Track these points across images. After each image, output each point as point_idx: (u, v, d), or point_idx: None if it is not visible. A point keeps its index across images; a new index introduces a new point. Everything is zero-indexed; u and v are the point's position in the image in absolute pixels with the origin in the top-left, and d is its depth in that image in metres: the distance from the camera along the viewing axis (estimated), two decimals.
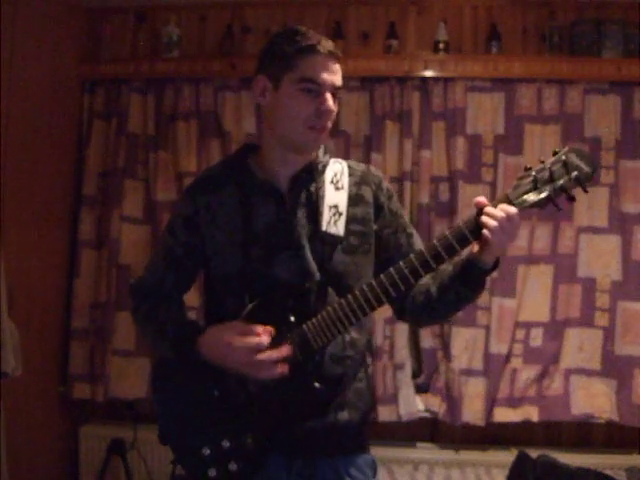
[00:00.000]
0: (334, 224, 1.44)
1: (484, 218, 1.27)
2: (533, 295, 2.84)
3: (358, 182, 1.52)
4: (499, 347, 2.83)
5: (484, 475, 2.79)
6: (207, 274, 1.55)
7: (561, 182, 1.25)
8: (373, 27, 3.03)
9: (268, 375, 1.34)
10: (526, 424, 2.83)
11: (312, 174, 1.49)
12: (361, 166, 1.57)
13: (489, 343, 2.83)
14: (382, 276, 1.35)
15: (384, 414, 2.83)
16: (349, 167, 1.54)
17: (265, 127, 1.52)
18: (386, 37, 2.96)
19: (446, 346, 2.88)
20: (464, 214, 2.72)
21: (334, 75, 1.41)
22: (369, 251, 1.50)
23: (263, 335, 1.34)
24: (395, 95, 2.90)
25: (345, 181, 1.51)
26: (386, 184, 1.56)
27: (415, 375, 2.98)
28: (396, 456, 2.83)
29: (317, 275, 1.42)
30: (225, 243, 1.47)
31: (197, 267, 1.57)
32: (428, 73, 2.87)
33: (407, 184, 2.87)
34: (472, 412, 2.82)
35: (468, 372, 2.85)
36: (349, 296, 1.36)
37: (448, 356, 2.86)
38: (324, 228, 1.44)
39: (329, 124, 1.43)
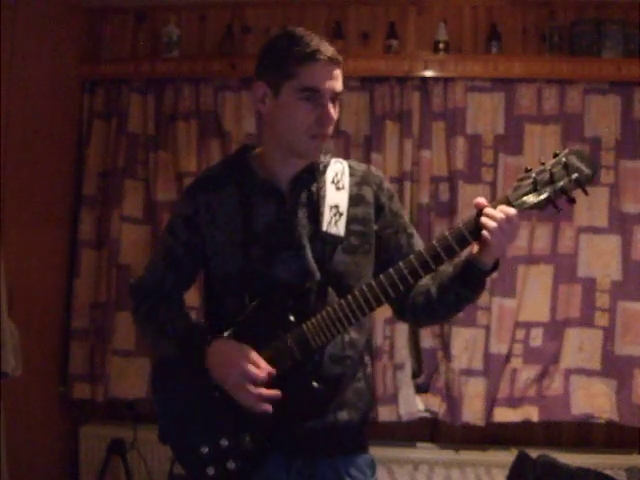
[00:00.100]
0: (335, 224, 1.44)
1: (483, 219, 1.27)
2: (533, 295, 2.84)
3: (359, 182, 1.52)
4: (499, 347, 2.83)
5: (484, 475, 2.79)
6: (207, 274, 1.55)
7: (561, 184, 1.25)
8: (373, 27, 3.03)
9: (252, 406, 1.35)
10: (526, 424, 2.83)
11: (313, 174, 1.49)
12: (362, 166, 1.57)
13: (489, 343, 2.83)
14: (381, 276, 1.35)
15: (384, 414, 2.84)
16: (350, 167, 1.54)
17: (266, 131, 1.51)
18: (386, 37, 2.96)
19: (446, 346, 2.88)
20: (464, 214, 2.72)
21: (335, 81, 1.39)
22: (369, 251, 1.50)
23: (265, 371, 1.35)
24: (395, 95, 2.90)
25: (346, 181, 1.50)
26: (387, 184, 1.56)
27: (415, 375, 2.98)
28: (396, 456, 2.83)
29: (317, 275, 1.42)
30: (225, 243, 1.46)
31: (197, 267, 1.57)
32: (428, 73, 2.87)
33: (407, 184, 2.87)
34: (472, 412, 2.82)
35: (468, 372, 2.85)
36: (348, 296, 1.36)
37: (448, 356, 2.86)
38: (325, 228, 1.44)
39: (330, 130, 1.43)
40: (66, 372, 3.01)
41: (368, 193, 1.51)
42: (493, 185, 2.86)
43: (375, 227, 1.51)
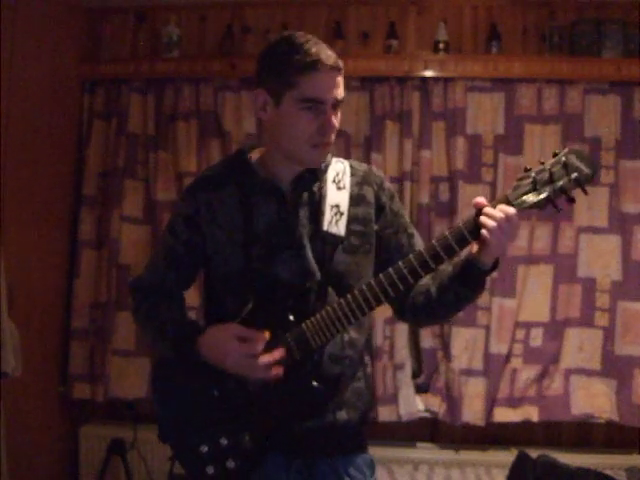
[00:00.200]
0: (335, 224, 1.44)
1: (483, 218, 1.27)
2: (533, 295, 2.84)
3: (360, 182, 1.52)
4: (499, 347, 2.83)
5: (484, 475, 2.79)
6: (207, 273, 1.55)
7: (561, 183, 1.25)
8: (373, 27, 3.03)
9: (263, 377, 1.36)
10: (526, 424, 2.83)
11: (315, 173, 1.49)
12: (363, 166, 1.57)
13: (489, 343, 2.83)
14: (381, 276, 1.35)
15: (384, 414, 2.84)
16: (351, 167, 1.54)
17: (267, 137, 1.50)
18: (386, 37, 2.96)
19: (446, 346, 2.88)
20: (464, 214, 2.72)
21: (336, 89, 1.38)
22: (370, 251, 1.50)
23: (258, 341, 1.35)
24: (395, 95, 2.90)
25: (347, 181, 1.50)
26: (388, 184, 1.56)
27: (415, 375, 2.98)
28: (396, 456, 2.83)
29: (318, 275, 1.42)
30: (226, 242, 1.46)
31: (197, 266, 1.57)
32: (428, 73, 2.87)
33: (407, 184, 2.87)
34: (472, 412, 2.82)
35: (468, 372, 2.85)
36: (348, 296, 1.36)
37: (448, 356, 2.86)
38: (325, 228, 1.44)
39: (333, 138, 1.42)
40: (66, 372, 3.01)
41: (369, 193, 1.51)
42: (493, 185, 2.86)
43: (375, 227, 1.51)
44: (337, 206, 1.46)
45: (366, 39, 3.02)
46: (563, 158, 1.25)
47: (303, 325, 1.38)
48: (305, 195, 1.47)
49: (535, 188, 1.26)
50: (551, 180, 1.25)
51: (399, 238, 1.53)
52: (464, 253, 1.37)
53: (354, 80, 2.90)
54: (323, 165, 1.50)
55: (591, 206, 2.81)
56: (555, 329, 2.83)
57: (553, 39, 2.88)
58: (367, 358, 1.58)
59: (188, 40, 3.08)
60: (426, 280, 1.45)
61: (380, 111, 2.90)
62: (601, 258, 2.82)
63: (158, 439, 1.50)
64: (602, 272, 2.82)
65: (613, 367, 2.80)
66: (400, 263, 1.34)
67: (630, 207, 2.81)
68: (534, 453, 2.60)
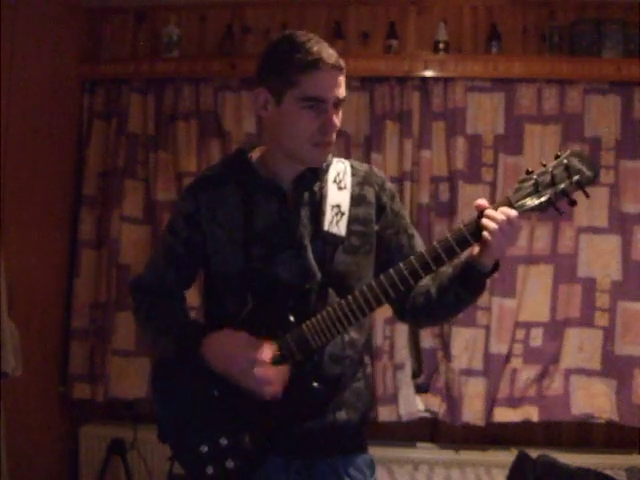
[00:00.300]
0: (336, 224, 1.44)
1: (484, 220, 1.27)
2: (533, 295, 2.84)
3: (361, 182, 1.52)
4: (499, 347, 2.83)
5: (484, 475, 2.79)
6: (207, 273, 1.54)
7: (562, 186, 1.25)
8: (373, 27, 3.03)
9: (262, 391, 1.36)
10: (526, 424, 2.83)
11: (316, 173, 1.49)
12: (364, 166, 1.56)
13: (489, 343, 2.83)
14: (382, 277, 1.35)
15: (384, 414, 2.84)
16: (352, 167, 1.54)
17: (268, 136, 1.50)
18: (386, 37, 2.96)
19: (446, 346, 2.88)
20: (464, 214, 2.72)
21: (338, 88, 1.38)
22: (370, 252, 1.50)
23: (265, 351, 1.36)
24: (395, 95, 2.90)
25: (348, 181, 1.50)
26: (389, 184, 1.56)
27: (415, 375, 2.98)
28: (396, 456, 2.83)
29: (318, 275, 1.42)
30: (226, 241, 1.46)
31: (197, 265, 1.57)
32: (428, 73, 2.87)
33: (407, 184, 2.87)
34: (472, 412, 2.82)
35: (468, 372, 2.85)
36: (349, 296, 1.36)
37: (448, 356, 2.86)
38: (326, 228, 1.44)
39: (334, 137, 1.42)
40: (66, 372, 3.01)
41: (370, 193, 1.51)
42: (493, 185, 2.86)
43: (376, 227, 1.51)
44: (338, 206, 1.46)
45: (366, 39, 3.02)
46: (565, 160, 1.25)
47: (303, 326, 1.38)
48: (306, 195, 1.47)
49: (537, 190, 1.26)
50: (553, 183, 1.25)
51: (400, 239, 1.53)
52: (465, 255, 1.37)
53: (354, 80, 2.90)
54: (324, 165, 1.50)
55: (591, 206, 2.81)
56: (555, 329, 2.83)
57: (553, 39, 2.88)
58: (367, 358, 1.58)
59: (188, 40, 3.08)
60: (426, 281, 1.45)
61: (380, 111, 2.90)
62: (601, 258, 2.82)
63: (158, 439, 1.50)
64: (602, 272, 2.82)
65: (613, 367, 2.80)
66: (401, 264, 1.34)
67: (630, 207, 2.81)
68: (534, 453, 2.60)
